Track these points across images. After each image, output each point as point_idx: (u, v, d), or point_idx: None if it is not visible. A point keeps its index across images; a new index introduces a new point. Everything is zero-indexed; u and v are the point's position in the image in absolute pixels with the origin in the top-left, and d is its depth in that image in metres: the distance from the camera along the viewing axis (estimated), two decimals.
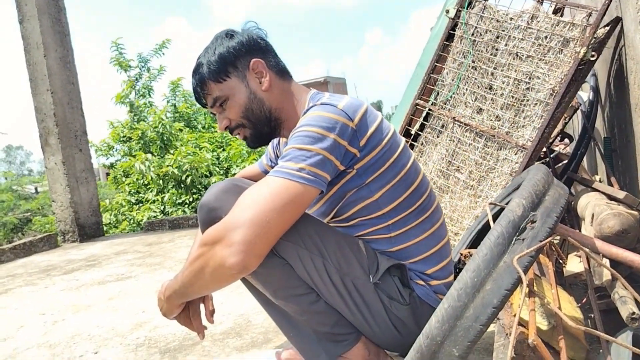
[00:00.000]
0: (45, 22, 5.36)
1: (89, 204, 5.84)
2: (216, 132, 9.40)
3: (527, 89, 2.15)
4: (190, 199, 7.95)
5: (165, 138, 8.49)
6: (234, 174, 7.82)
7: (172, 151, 8.14)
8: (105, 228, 7.86)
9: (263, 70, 1.38)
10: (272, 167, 1.63)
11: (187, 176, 7.66)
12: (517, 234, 1.15)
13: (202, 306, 1.45)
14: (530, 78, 2.14)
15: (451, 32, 2.39)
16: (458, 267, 1.77)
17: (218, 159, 8.60)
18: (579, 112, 3.14)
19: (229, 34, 1.40)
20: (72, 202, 5.56)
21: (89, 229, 5.80)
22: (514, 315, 1.36)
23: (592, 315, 1.72)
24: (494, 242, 1.13)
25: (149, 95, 9.86)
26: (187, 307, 1.42)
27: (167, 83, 10.64)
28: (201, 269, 1.19)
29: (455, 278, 1.47)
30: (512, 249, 1.12)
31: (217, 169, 8.24)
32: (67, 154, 5.56)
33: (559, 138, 3.55)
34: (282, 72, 1.43)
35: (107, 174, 9.82)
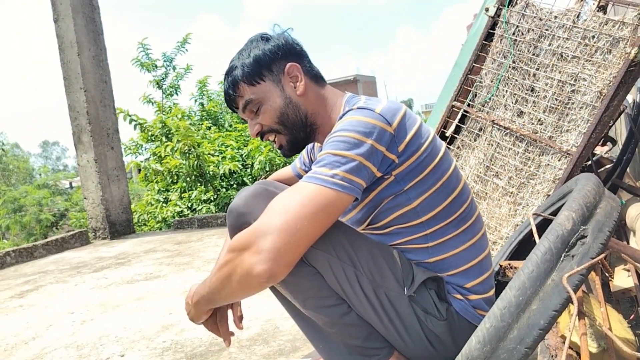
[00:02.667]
0: (80, 21, 5.43)
1: (120, 201, 5.90)
2: (241, 130, 9.39)
3: (572, 91, 2.03)
4: (215, 196, 7.97)
5: (168, 132, 8.48)
6: (257, 169, 7.82)
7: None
8: (135, 223, 7.97)
9: (298, 75, 1.33)
10: (306, 171, 1.59)
11: (192, 162, 7.63)
12: (567, 250, 1.07)
13: (230, 312, 1.41)
14: (575, 80, 2.03)
15: (491, 31, 2.29)
16: (496, 279, 1.69)
17: (242, 155, 8.62)
18: (623, 114, 3.00)
19: (265, 37, 1.36)
20: (103, 200, 5.63)
21: (120, 226, 5.86)
22: (561, 336, 1.27)
23: None
24: (541, 259, 1.05)
25: (176, 94, 9.91)
26: (215, 312, 1.38)
27: (194, 82, 10.67)
28: (228, 276, 1.14)
29: (495, 291, 1.39)
30: (561, 267, 1.04)
31: (227, 160, 8.19)
32: (99, 151, 5.63)
33: (600, 141, 3.40)
34: (316, 77, 1.39)
35: (139, 171, 9.95)
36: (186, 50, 9.83)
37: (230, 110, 10.73)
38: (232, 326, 1.38)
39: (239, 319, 1.42)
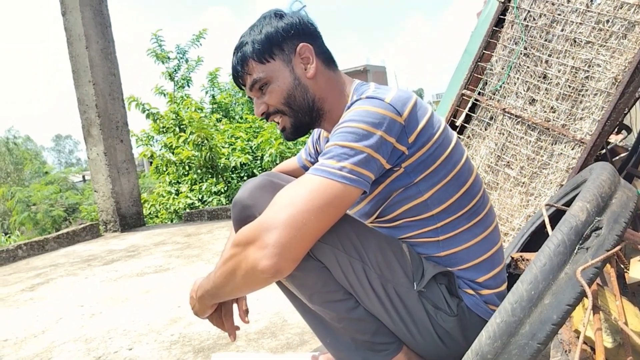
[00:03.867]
0: (87, 14, 5.42)
1: (130, 194, 5.91)
2: (251, 122, 9.40)
3: (586, 77, 1.98)
4: (225, 188, 7.99)
5: (181, 123, 8.51)
6: (268, 161, 7.82)
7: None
8: (147, 214, 8.01)
9: (310, 56, 1.29)
10: (311, 163, 1.56)
11: (205, 153, 7.66)
12: (581, 242, 1.02)
13: (235, 306, 1.39)
14: (589, 66, 1.97)
15: (501, 16, 2.23)
16: (508, 271, 1.65)
17: (252, 147, 8.62)
18: (638, 102, 2.93)
19: (278, 14, 1.31)
20: (113, 192, 5.64)
21: (130, 219, 5.87)
22: (575, 331, 1.24)
23: None
24: (553, 251, 1.01)
25: (188, 86, 9.96)
26: (220, 307, 1.36)
27: (205, 74, 10.72)
28: (233, 270, 1.12)
29: (507, 284, 1.36)
30: (575, 259, 1.00)
31: (237, 152, 8.22)
32: (109, 144, 5.63)
33: (615, 129, 3.33)
34: (328, 61, 1.34)
35: (150, 163, 10.00)
36: (200, 44, 9.90)
37: (240, 103, 10.76)
38: (237, 320, 1.36)
39: (245, 313, 1.39)
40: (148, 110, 8.63)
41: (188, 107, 9.09)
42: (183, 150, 7.95)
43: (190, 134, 7.75)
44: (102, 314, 2.63)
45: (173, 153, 8.26)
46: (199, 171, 8.15)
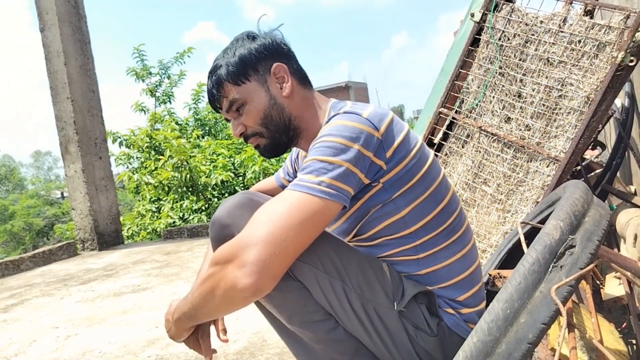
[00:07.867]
0: (66, 31, 5.38)
1: (109, 212, 5.83)
2: (234, 138, 9.39)
3: (560, 96, 2.02)
4: (206, 205, 7.94)
5: (156, 145, 8.54)
6: (250, 178, 7.80)
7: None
8: (126, 236, 7.91)
9: (285, 76, 1.30)
10: (289, 182, 1.55)
11: (185, 174, 7.67)
12: (555, 260, 1.04)
13: (212, 327, 1.37)
14: (562, 85, 2.01)
15: (476, 36, 2.27)
16: (486, 289, 1.66)
17: (234, 164, 8.60)
18: (612, 119, 2.99)
19: (251, 36, 1.32)
20: (91, 210, 5.56)
21: (108, 237, 5.78)
22: (551, 349, 1.24)
23: (634, 342, 1.59)
24: (528, 270, 1.02)
25: (169, 102, 9.93)
26: (197, 329, 1.33)
27: (188, 89, 10.74)
28: (211, 290, 1.10)
29: (486, 303, 1.37)
30: (549, 278, 1.01)
31: (219, 170, 8.24)
32: (87, 161, 5.56)
33: (590, 146, 3.39)
34: (303, 79, 1.35)
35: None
36: (184, 62, 9.91)
37: (223, 119, 10.73)
38: (215, 342, 1.33)
39: (223, 332, 1.38)
40: (120, 137, 8.66)
41: (168, 126, 9.08)
42: (162, 172, 7.91)
43: (169, 158, 7.74)
44: (77, 335, 2.58)
45: (152, 176, 8.21)
46: (179, 190, 8.11)
